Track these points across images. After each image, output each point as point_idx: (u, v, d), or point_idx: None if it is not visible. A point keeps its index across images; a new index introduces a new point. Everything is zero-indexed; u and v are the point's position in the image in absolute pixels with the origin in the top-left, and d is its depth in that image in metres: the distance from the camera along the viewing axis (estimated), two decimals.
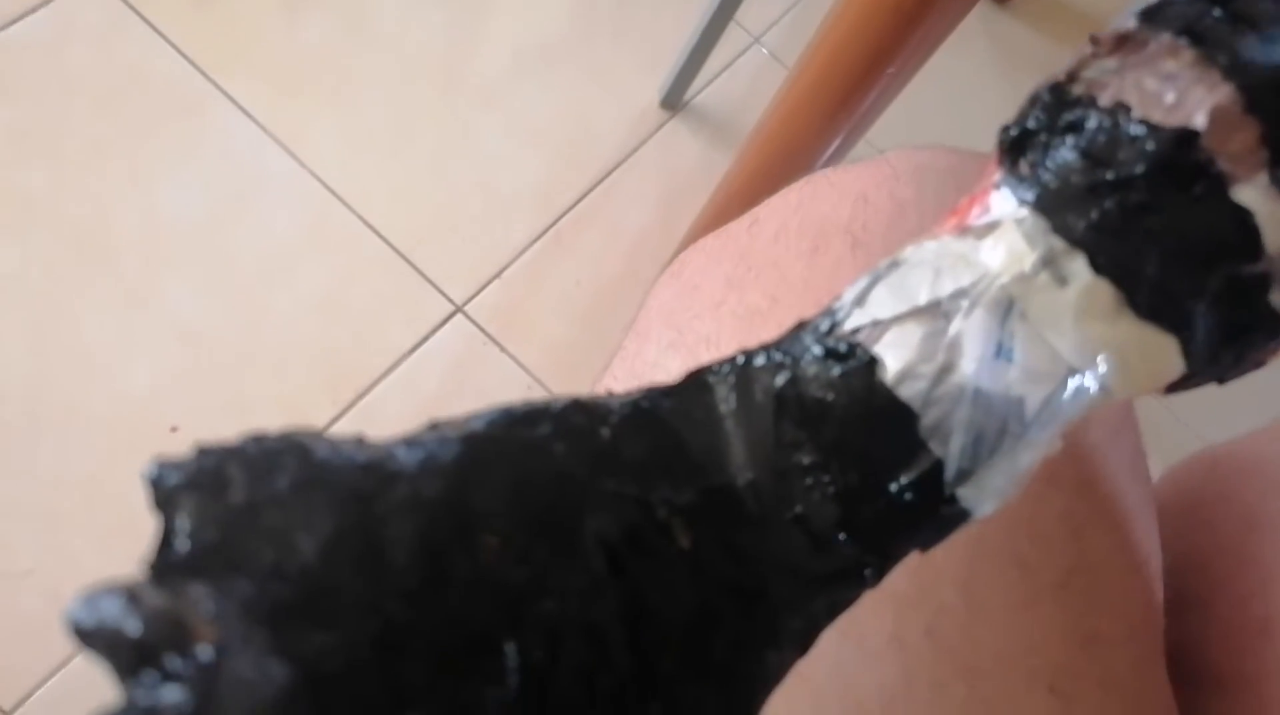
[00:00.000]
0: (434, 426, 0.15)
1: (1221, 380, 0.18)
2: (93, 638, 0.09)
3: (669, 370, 0.31)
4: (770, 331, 0.30)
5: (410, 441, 0.14)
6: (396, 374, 0.86)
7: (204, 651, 0.10)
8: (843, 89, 0.60)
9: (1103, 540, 0.28)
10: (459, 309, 0.90)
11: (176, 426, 0.79)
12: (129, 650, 0.09)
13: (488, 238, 0.92)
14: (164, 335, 0.81)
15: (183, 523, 0.11)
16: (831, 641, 0.24)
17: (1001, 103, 1.13)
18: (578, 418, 0.16)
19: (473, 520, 0.13)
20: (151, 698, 0.09)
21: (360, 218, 0.90)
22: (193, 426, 0.79)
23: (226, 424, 0.80)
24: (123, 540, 0.74)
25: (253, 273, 0.85)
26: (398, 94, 0.95)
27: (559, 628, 0.13)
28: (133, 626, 0.09)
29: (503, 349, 0.90)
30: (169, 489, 0.11)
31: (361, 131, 0.93)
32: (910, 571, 0.25)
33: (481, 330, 0.90)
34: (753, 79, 1.06)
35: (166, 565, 0.11)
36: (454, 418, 0.15)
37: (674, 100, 1.00)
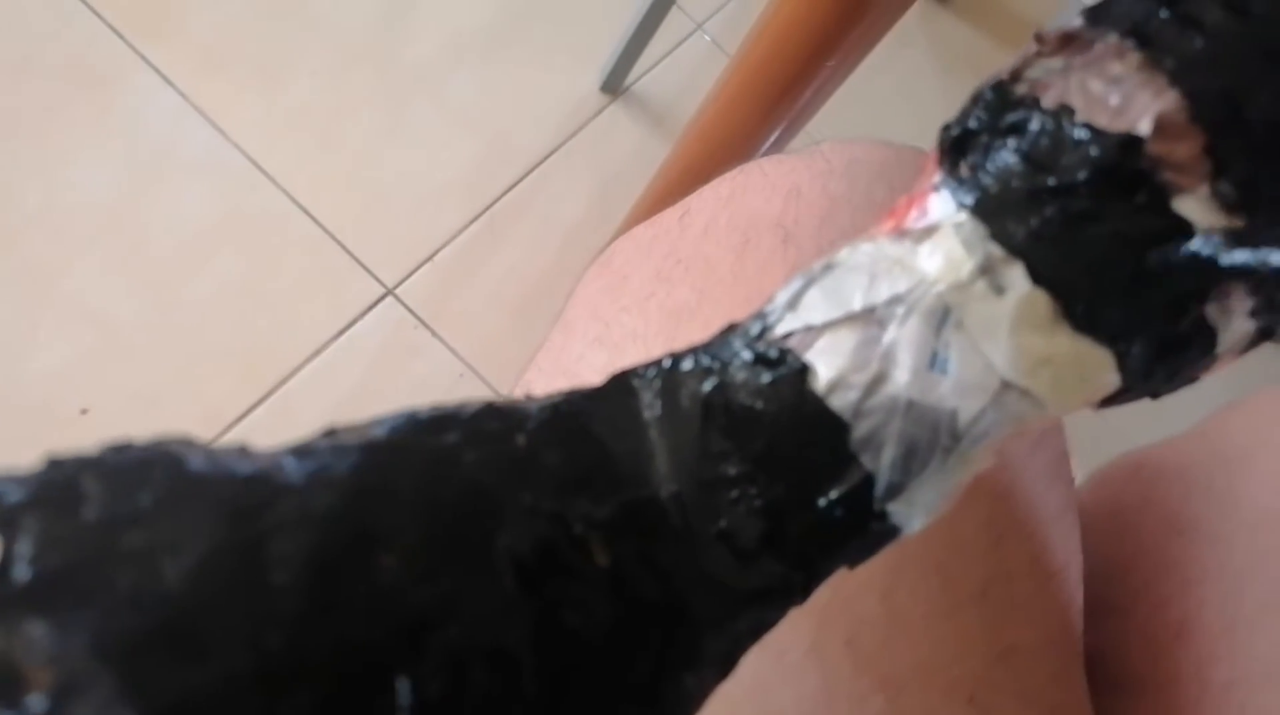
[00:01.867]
0: (330, 433, 0.13)
1: (1155, 395, 0.17)
2: None
3: (594, 366, 0.30)
4: (697, 328, 0.30)
5: (301, 451, 0.12)
6: (321, 359, 0.83)
7: (36, 702, 0.08)
8: (782, 81, 0.59)
9: (1022, 548, 0.28)
10: (389, 292, 0.87)
11: (86, 408, 0.76)
12: None
13: (420, 221, 0.90)
14: (71, 316, 0.78)
15: (24, 547, 0.10)
16: (750, 654, 0.23)
17: (941, 99, 1.15)
18: (491, 424, 0.15)
19: (369, 536, 0.12)
20: None
21: (287, 194, 0.87)
22: (104, 409, 0.76)
23: (139, 407, 0.77)
24: None
25: (168, 248, 0.82)
26: (330, 71, 0.92)
27: (463, 655, 0.12)
28: None
29: (434, 333, 0.88)
30: (9, 507, 0.10)
31: (291, 107, 0.90)
32: (832, 580, 0.24)
33: (412, 313, 0.87)
34: (695, 66, 1.05)
35: (2, 598, 0.09)
36: (353, 424, 0.13)
37: (614, 85, 0.99)
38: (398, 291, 0.87)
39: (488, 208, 0.92)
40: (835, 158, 0.33)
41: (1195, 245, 0.14)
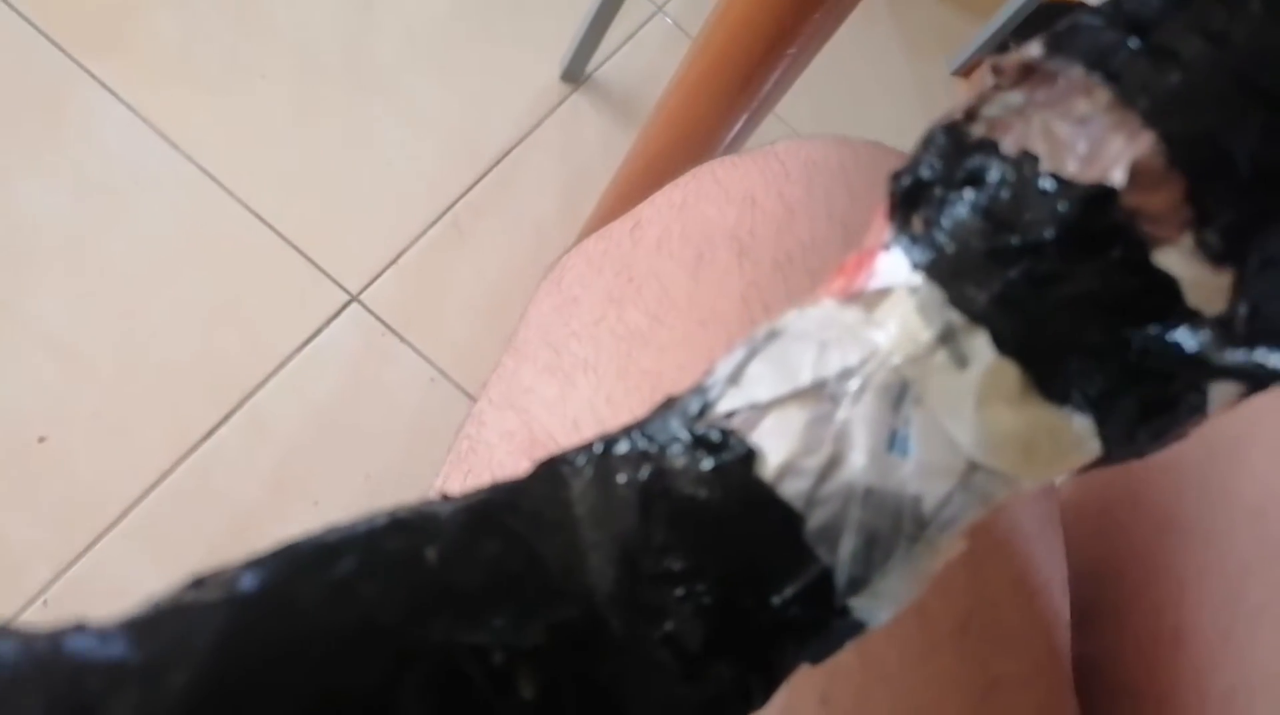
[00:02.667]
0: (198, 584, 0.12)
1: (1141, 455, 0.16)
2: None
3: (544, 399, 0.28)
4: (651, 356, 0.28)
5: (155, 620, 0.11)
6: (287, 371, 0.81)
7: None
8: (744, 69, 0.57)
9: (1003, 571, 0.26)
10: (354, 298, 0.85)
11: (45, 436, 0.74)
12: None
13: (382, 224, 0.87)
14: (26, 339, 0.75)
15: None
16: None
17: (908, 77, 1.13)
18: (393, 542, 0.13)
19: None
20: None
21: (244, 205, 0.84)
22: (63, 436, 0.74)
23: (100, 433, 0.75)
24: None
25: (127, 266, 0.79)
26: (284, 77, 0.89)
27: None
28: None
29: (402, 339, 0.85)
30: None
31: (245, 116, 0.87)
32: None
33: (380, 320, 0.85)
34: (657, 50, 1.03)
35: None
36: (222, 570, 0.12)
37: (575, 73, 0.96)
38: (363, 297, 0.85)
39: (450, 206, 0.90)
40: (791, 161, 0.32)
41: (1183, 341, 0.13)
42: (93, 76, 0.83)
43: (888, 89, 1.07)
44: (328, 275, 0.85)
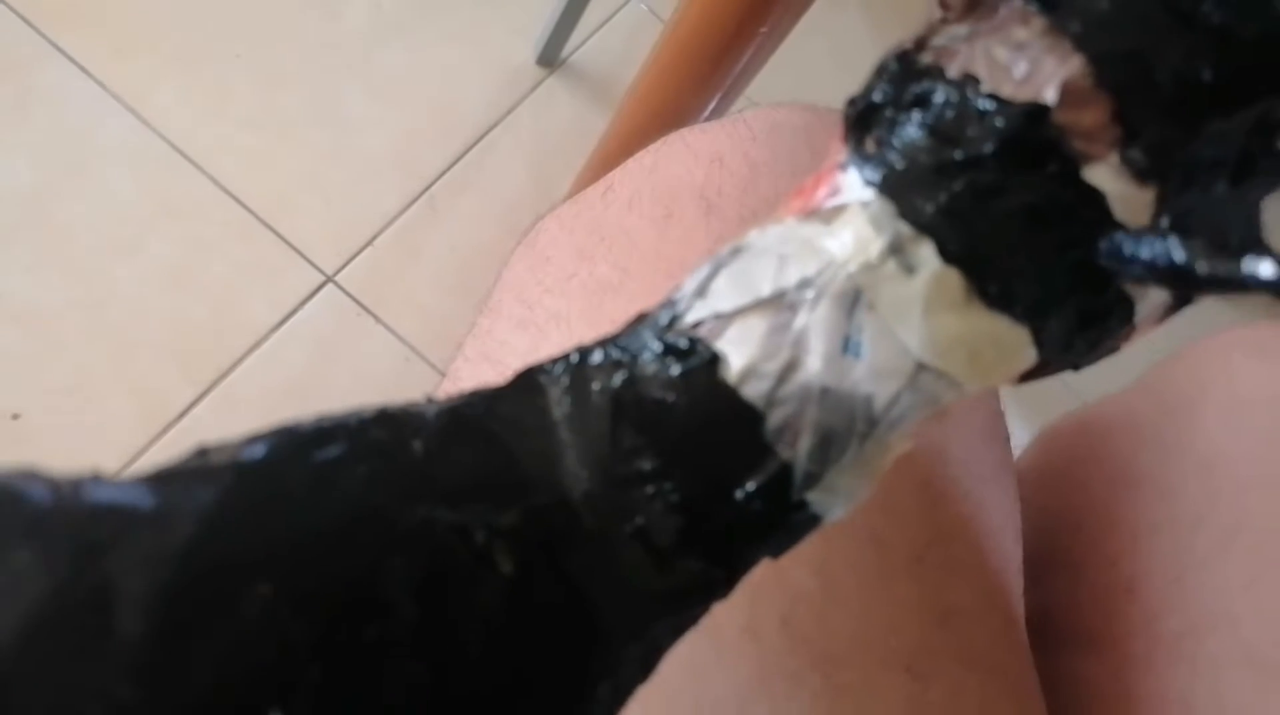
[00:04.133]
0: (201, 454, 0.12)
1: (1076, 367, 0.17)
2: None
3: (517, 351, 0.29)
4: (621, 306, 0.29)
5: (164, 477, 0.12)
6: (262, 350, 0.81)
7: None
8: (715, 48, 0.58)
9: (958, 509, 0.28)
10: (329, 279, 0.85)
11: (18, 413, 0.73)
12: None
13: (357, 204, 0.88)
14: None
15: None
16: (685, 638, 0.23)
17: (875, 59, 1.14)
18: (381, 432, 0.14)
19: (235, 572, 0.11)
20: None
21: (215, 182, 0.84)
22: (36, 413, 0.74)
23: (73, 409, 0.74)
24: None
25: (94, 244, 0.79)
26: (255, 51, 0.89)
27: (343, 692, 0.11)
28: None
29: (378, 319, 0.86)
30: None
31: (214, 91, 0.87)
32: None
33: (354, 300, 0.86)
34: (631, 34, 1.03)
35: None
36: (226, 443, 0.13)
37: (550, 57, 0.97)
38: (338, 278, 0.85)
39: (426, 188, 0.90)
40: (757, 124, 0.33)
41: (1112, 247, 0.14)
42: (60, 50, 0.83)
43: (854, 72, 1.08)
44: (303, 255, 0.85)
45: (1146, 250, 0.13)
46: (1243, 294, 0.12)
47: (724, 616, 0.23)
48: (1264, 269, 0.12)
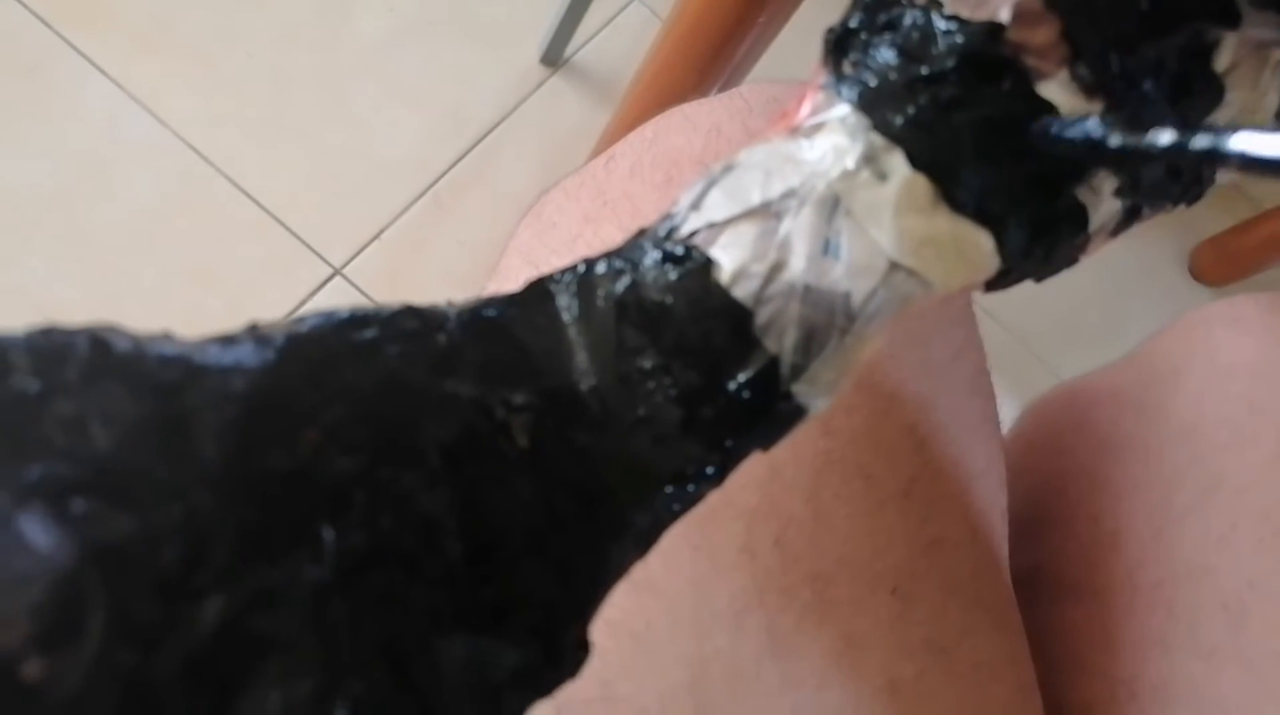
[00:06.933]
0: (253, 329, 0.14)
1: (1037, 278, 0.18)
2: None
3: None
4: None
5: (226, 339, 0.13)
6: None
7: None
8: (715, 41, 0.60)
9: (944, 451, 0.29)
10: (338, 272, 0.87)
11: None
12: None
13: (365, 200, 0.90)
14: (16, 309, 0.77)
15: None
16: (685, 556, 0.25)
17: None
18: (410, 322, 0.16)
19: (292, 415, 0.13)
20: None
21: (229, 179, 0.86)
22: None
23: None
24: None
25: (113, 241, 0.81)
26: (267, 51, 0.91)
27: (383, 516, 0.13)
28: None
29: None
30: None
31: (228, 90, 0.89)
32: (761, 486, 0.25)
33: (363, 293, 0.87)
34: (634, 35, 1.05)
35: None
36: (276, 321, 0.14)
37: (554, 57, 0.99)
38: (346, 271, 0.87)
39: (433, 184, 0.92)
40: (754, 97, 0.34)
41: (1037, 126, 0.15)
42: (76, 49, 0.85)
43: None
44: (311, 248, 0.87)
45: (1070, 130, 0.15)
46: (1147, 163, 0.14)
47: (722, 538, 0.25)
48: (1163, 137, 0.14)
